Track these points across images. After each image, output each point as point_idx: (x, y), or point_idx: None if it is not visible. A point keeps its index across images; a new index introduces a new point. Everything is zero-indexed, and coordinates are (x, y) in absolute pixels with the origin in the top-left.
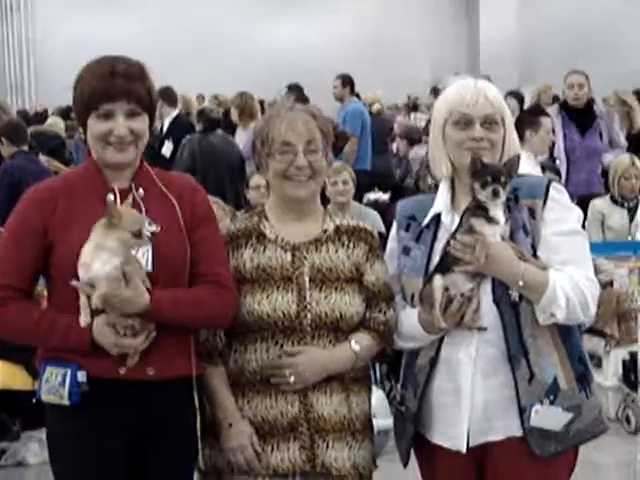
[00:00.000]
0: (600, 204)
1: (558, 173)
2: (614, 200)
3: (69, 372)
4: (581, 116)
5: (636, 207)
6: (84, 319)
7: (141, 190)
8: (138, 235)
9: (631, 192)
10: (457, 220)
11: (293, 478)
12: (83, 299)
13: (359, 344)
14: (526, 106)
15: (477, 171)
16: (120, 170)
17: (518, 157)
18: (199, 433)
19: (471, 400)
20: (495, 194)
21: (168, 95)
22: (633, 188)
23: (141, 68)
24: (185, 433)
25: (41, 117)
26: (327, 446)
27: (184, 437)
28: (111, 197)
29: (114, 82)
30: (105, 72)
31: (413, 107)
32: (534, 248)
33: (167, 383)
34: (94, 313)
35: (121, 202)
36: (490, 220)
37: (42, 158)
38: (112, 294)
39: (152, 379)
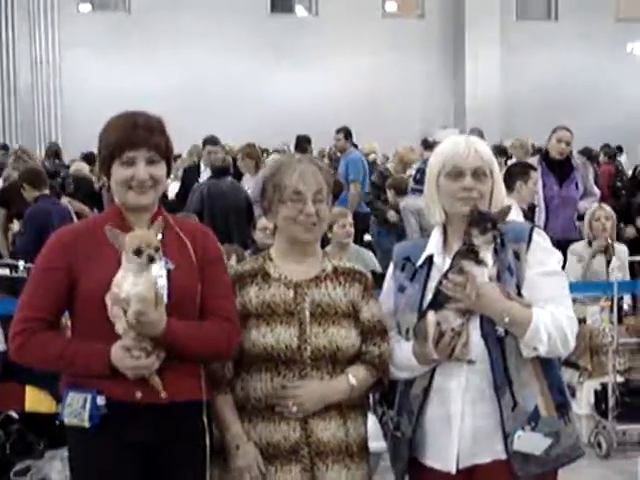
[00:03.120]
0: (579, 248)
1: (532, 221)
2: (590, 244)
3: (89, 397)
4: (560, 168)
5: (612, 250)
6: (121, 327)
7: (159, 233)
8: (137, 253)
9: (603, 232)
10: (448, 262)
11: None
12: (116, 310)
13: (355, 377)
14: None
15: (476, 219)
16: (140, 213)
17: (509, 208)
18: (209, 454)
19: (460, 426)
20: (494, 239)
21: None
22: (604, 227)
23: (160, 122)
24: (195, 454)
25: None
26: (326, 468)
27: (194, 457)
28: (109, 226)
29: (136, 133)
30: (128, 125)
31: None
32: (519, 287)
33: (179, 407)
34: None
35: None
36: (479, 262)
37: (64, 199)
38: (143, 312)
39: (165, 403)
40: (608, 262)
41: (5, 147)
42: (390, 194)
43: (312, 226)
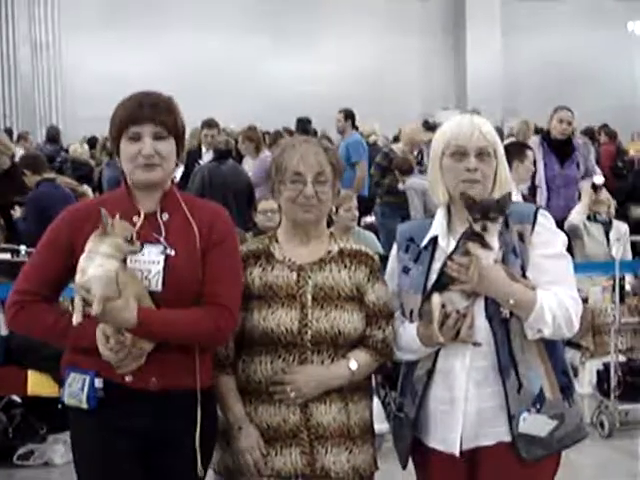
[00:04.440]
0: (578, 217)
1: (533, 202)
2: (588, 216)
3: (88, 379)
4: (561, 148)
5: (610, 223)
6: (76, 319)
7: (166, 214)
8: (130, 241)
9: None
10: (453, 243)
11: None
12: (77, 300)
13: (356, 362)
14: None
15: (469, 206)
16: (150, 191)
17: (509, 194)
18: (198, 445)
19: (465, 408)
20: (484, 229)
21: None
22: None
23: (168, 100)
24: (186, 443)
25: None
26: (326, 451)
27: (185, 447)
28: (104, 210)
29: (141, 109)
30: (134, 103)
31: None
32: (523, 269)
33: (170, 395)
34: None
35: (147, 225)
36: (485, 245)
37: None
38: (107, 297)
39: (155, 390)
40: (607, 232)
41: (9, 132)
42: (396, 174)
43: (311, 207)
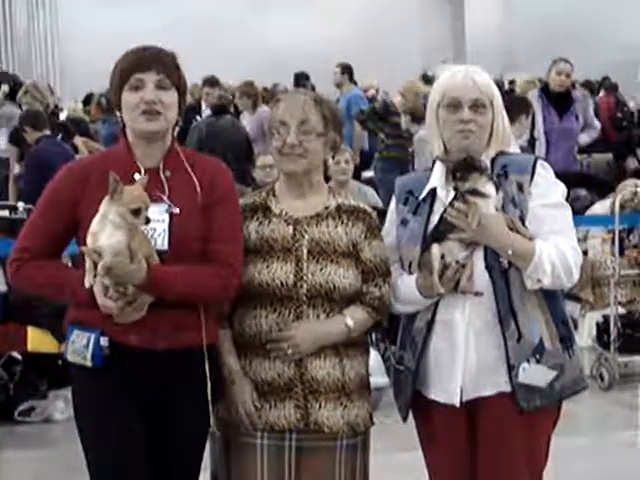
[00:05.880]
0: (601, 210)
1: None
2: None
3: (93, 337)
4: (559, 100)
5: None
6: (88, 281)
7: (168, 171)
8: (136, 213)
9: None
10: (452, 194)
11: (289, 434)
12: (89, 263)
13: (353, 319)
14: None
15: (447, 167)
16: (151, 145)
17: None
18: (210, 398)
19: (465, 358)
20: (455, 189)
21: None
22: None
23: (171, 54)
24: (195, 400)
25: None
26: (320, 406)
27: (194, 404)
28: (114, 174)
29: (144, 56)
30: (137, 53)
31: None
32: (522, 219)
33: (176, 353)
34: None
35: (149, 181)
36: (483, 195)
37: (77, 140)
38: (116, 267)
39: (161, 350)
40: None
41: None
42: (405, 120)
43: (296, 157)
